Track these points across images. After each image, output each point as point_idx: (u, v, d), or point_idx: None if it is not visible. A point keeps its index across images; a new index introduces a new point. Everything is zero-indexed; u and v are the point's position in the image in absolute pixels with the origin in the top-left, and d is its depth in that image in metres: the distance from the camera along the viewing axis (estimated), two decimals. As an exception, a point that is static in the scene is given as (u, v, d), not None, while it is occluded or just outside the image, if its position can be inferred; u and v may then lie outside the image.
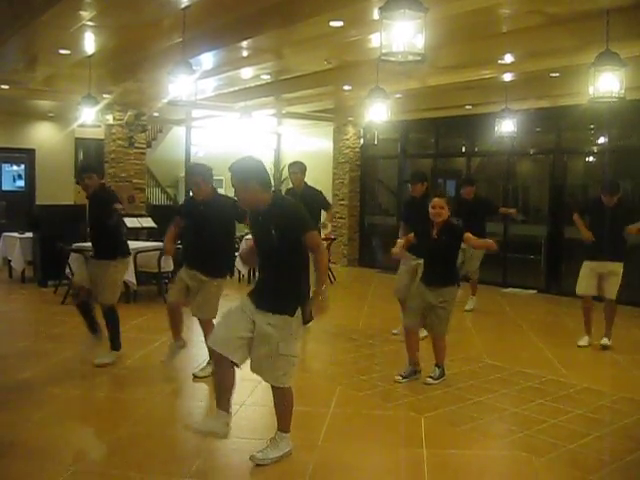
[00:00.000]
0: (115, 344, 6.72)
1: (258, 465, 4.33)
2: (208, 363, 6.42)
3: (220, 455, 4.60)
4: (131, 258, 7.57)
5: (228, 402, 4.46)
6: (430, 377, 6.30)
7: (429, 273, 6.38)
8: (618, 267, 7.64)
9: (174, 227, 6.57)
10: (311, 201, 7.73)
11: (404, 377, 6.33)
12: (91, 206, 6.77)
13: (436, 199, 6.19)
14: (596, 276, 7.73)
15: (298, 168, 8.21)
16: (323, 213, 8.54)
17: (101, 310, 6.76)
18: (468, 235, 6.21)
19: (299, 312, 4.33)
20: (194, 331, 7.01)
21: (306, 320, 4.38)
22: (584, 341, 7.83)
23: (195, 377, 6.37)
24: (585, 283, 7.79)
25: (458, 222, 7.86)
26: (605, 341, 7.72)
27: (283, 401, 4.45)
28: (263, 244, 4.40)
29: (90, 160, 16.66)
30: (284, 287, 4.32)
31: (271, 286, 4.36)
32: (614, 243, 7.61)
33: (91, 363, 6.64)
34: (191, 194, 6.54)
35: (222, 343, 4.34)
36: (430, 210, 6.18)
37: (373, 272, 14.69)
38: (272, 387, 4.42)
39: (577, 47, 7.69)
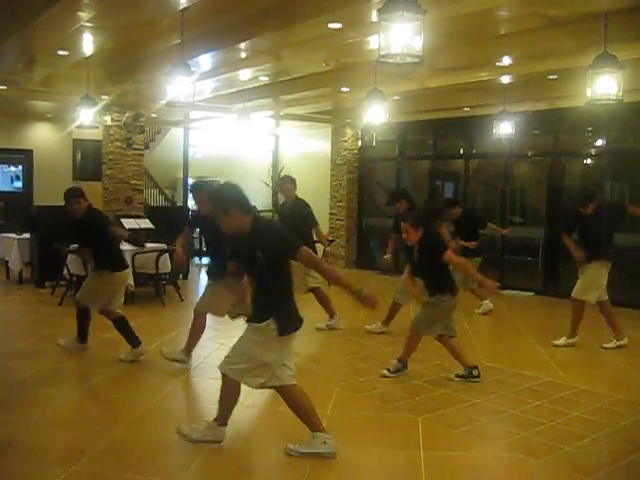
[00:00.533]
0: (132, 343, 6.93)
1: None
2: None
3: (217, 457, 4.59)
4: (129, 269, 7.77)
5: (228, 417, 4.69)
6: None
7: (424, 284, 6.63)
8: (584, 267, 7.82)
9: (184, 236, 7.17)
10: (300, 213, 8.29)
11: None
12: (83, 228, 6.97)
13: (402, 224, 6.39)
14: None
15: (290, 181, 8.53)
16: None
17: (110, 319, 7.01)
18: (449, 255, 6.32)
19: (275, 324, 4.37)
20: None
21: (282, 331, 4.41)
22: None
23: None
24: None
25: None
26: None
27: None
28: (248, 265, 4.54)
29: (88, 163, 16.67)
30: (267, 301, 4.43)
31: (257, 301, 4.51)
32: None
33: (89, 363, 6.68)
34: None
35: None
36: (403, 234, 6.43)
37: (371, 274, 14.69)
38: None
39: (575, 49, 7.70)
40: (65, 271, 10.04)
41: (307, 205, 8.62)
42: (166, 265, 10.38)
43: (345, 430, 5.17)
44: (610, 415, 5.61)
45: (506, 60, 8.68)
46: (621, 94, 6.56)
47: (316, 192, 16.61)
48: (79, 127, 11.57)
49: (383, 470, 4.52)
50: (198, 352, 7.60)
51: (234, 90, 12.01)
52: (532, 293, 12.18)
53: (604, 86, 6.53)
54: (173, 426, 5.16)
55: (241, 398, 5.63)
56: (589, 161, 13.08)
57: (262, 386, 4.54)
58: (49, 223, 11.28)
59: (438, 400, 5.90)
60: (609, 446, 4.95)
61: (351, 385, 6.29)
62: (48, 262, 10.90)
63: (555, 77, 9.80)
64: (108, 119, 13.02)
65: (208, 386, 6.35)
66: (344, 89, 11.45)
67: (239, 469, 4.45)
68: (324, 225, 15.94)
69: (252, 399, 5.77)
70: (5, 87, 11.63)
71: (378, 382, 6.39)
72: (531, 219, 13.99)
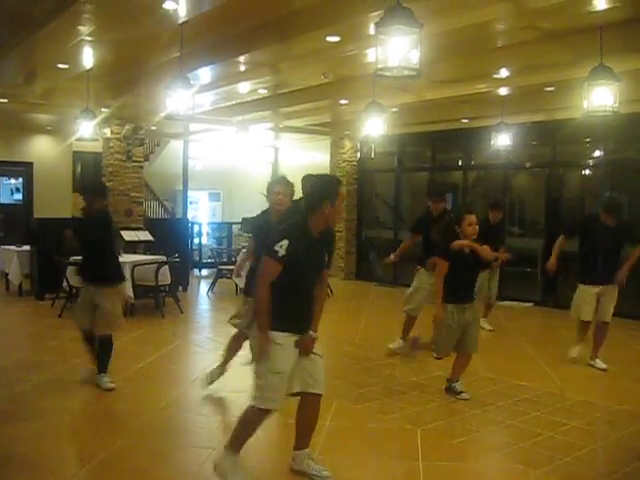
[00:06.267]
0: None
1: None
2: None
3: (212, 470, 4.58)
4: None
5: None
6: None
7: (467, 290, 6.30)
8: None
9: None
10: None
11: None
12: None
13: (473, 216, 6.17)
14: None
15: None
16: None
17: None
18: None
19: None
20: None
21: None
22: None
23: None
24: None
25: None
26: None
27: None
28: (315, 268, 4.31)
29: (88, 175, 16.74)
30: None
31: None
32: None
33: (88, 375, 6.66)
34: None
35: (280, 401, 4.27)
36: (468, 228, 6.08)
37: (370, 285, 14.71)
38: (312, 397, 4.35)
39: (571, 61, 7.75)
40: (65, 283, 10.05)
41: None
42: (166, 277, 10.39)
43: (344, 441, 5.18)
44: (608, 425, 5.63)
45: (503, 72, 8.72)
46: (617, 105, 6.62)
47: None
48: (79, 140, 11.59)
49: (382, 481, 4.53)
50: (197, 364, 7.63)
51: (233, 103, 12.05)
52: (531, 304, 12.19)
53: (600, 98, 6.60)
54: (170, 438, 5.18)
55: (238, 412, 5.68)
56: (587, 172, 13.12)
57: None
58: (49, 235, 11.31)
59: (437, 411, 5.91)
60: (607, 456, 4.97)
61: (350, 396, 6.29)
62: (48, 274, 10.92)
63: (552, 89, 9.85)
64: (108, 132, 13.06)
65: (207, 398, 6.36)
66: (343, 101, 11.50)
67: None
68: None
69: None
70: (6, 100, 11.68)
71: (377, 393, 6.40)
72: (530, 230, 14.02)
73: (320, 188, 4.23)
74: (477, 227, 6.10)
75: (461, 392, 6.31)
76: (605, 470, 4.70)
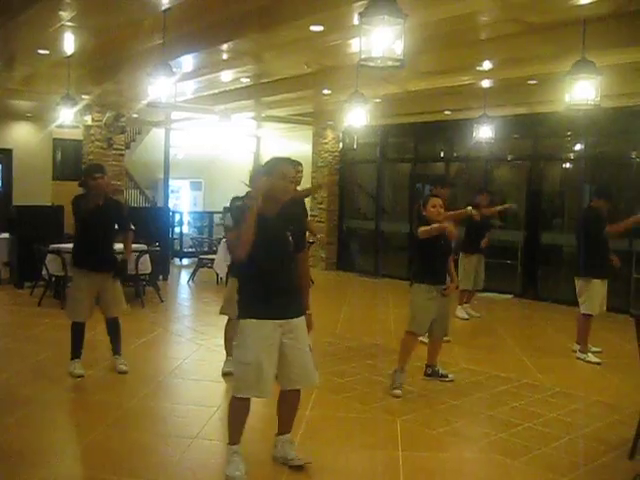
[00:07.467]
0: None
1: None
2: None
3: (192, 459, 4.59)
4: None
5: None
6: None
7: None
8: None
9: None
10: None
11: None
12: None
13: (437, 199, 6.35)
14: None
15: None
16: None
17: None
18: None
19: None
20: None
21: None
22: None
23: None
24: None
25: None
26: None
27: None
28: (278, 248, 4.16)
29: (68, 163, 16.57)
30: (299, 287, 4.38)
31: (295, 289, 4.32)
32: None
33: (67, 365, 6.61)
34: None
35: (259, 390, 4.16)
36: (432, 210, 6.22)
37: (352, 276, 14.74)
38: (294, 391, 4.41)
39: (554, 55, 7.79)
40: (44, 271, 9.98)
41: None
42: (146, 266, 10.34)
43: (324, 431, 5.19)
44: (586, 416, 5.68)
45: (487, 65, 8.74)
46: (599, 99, 6.66)
47: (297, 194, 16.65)
48: (59, 127, 11.49)
49: (361, 471, 4.54)
50: (177, 354, 7.62)
51: (216, 91, 12.00)
52: (511, 295, 12.26)
53: (582, 91, 6.64)
54: (151, 428, 5.16)
55: (218, 400, 5.69)
56: (568, 165, 13.21)
57: None
58: (28, 223, 11.22)
59: (416, 401, 5.93)
60: (584, 447, 5.01)
61: (330, 387, 6.29)
62: (27, 262, 10.82)
63: (535, 82, 9.89)
64: (89, 119, 12.93)
65: (187, 387, 6.35)
66: (325, 91, 11.48)
67: (214, 472, 4.43)
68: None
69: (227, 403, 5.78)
70: (-15, 86, 11.55)
71: (357, 383, 6.42)
72: (510, 222, 14.07)
73: (264, 167, 4.26)
74: (441, 210, 6.25)
75: (446, 374, 6.54)
76: (582, 460, 4.74)
